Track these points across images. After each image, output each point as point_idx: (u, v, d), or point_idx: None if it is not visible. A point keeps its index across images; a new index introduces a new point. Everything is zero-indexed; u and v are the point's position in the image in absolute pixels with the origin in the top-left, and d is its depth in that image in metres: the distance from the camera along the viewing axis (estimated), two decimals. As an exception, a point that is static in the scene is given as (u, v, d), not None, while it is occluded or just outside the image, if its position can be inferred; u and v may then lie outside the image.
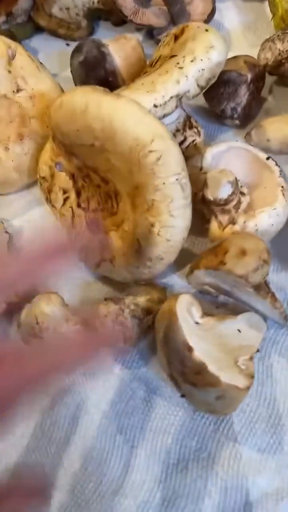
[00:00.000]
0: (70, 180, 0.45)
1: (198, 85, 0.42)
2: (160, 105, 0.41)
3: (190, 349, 0.35)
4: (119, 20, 0.66)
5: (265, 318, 0.41)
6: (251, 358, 0.37)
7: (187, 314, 0.37)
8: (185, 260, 0.47)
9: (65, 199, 0.46)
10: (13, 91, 0.47)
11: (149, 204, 0.37)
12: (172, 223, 0.38)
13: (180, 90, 0.41)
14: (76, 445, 0.40)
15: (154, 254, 0.40)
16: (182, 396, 0.38)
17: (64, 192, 0.46)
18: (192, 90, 0.42)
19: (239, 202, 0.43)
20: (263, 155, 0.46)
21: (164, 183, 0.36)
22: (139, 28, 0.64)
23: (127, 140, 0.35)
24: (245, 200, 0.44)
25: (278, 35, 0.52)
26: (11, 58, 0.47)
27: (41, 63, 0.53)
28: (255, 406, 0.39)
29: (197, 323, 0.38)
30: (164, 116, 0.42)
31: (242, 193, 0.44)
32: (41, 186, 0.48)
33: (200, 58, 0.42)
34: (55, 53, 0.65)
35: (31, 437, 0.40)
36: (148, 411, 0.40)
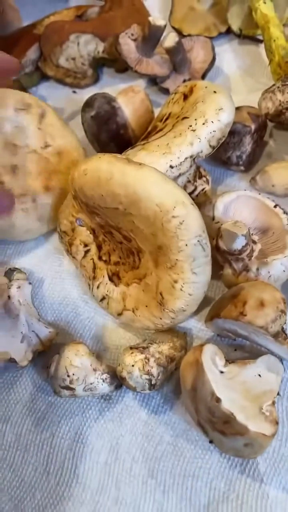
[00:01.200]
0: (90, 235, 0.48)
1: (210, 145, 0.45)
2: (176, 166, 0.44)
3: (218, 400, 0.37)
4: (123, 68, 0.69)
5: (281, 359, 0.44)
6: (273, 403, 0.39)
7: (212, 364, 0.40)
8: (201, 303, 0.49)
9: (86, 252, 0.49)
10: (41, 147, 0.51)
11: (173, 263, 0.40)
12: (194, 279, 0.40)
13: (193, 151, 0.44)
14: (110, 491, 0.42)
15: (176, 307, 0.42)
16: (211, 442, 0.41)
17: (85, 245, 0.49)
18: (204, 151, 0.45)
19: (252, 251, 0.46)
20: (270, 203, 0.49)
21: (186, 245, 0.39)
22: (142, 76, 0.67)
23: (150, 206, 0.38)
24: (257, 248, 0.47)
25: (278, 87, 0.55)
26: (42, 117, 0.51)
27: (64, 122, 0.56)
28: (277, 447, 0.42)
29: (221, 372, 0.41)
30: (180, 175, 0.45)
31: (254, 242, 0.47)
32: (61, 239, 0.51)
33: (211, 120, 0.45)
34: (63, 100, 0.68)
35: (65, 485, 0.42)
36: (176, 454, 0.43)
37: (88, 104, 0.57)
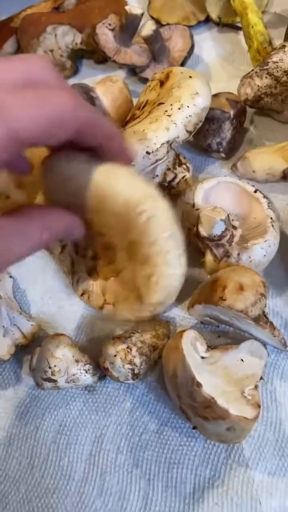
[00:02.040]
0: None
1: (186, 131, 0.44)
2: (152, 151, 0.43)
3: (198, 385, 0.37)
4: (102, 58, 0.69)
5: (265, 344, 0.44)
6: (256, 387, 0.39)
7: (193, 349, 0.40)
8: (184, 291, 0.49)
9: (63, 247, 0.48)
10: None
11: (145, 258, 0.39)
12: (168, 272, 0.39)
13: (170, 136, 0.44)
14: (96, 482, 0.41)
15: (154, 300, 0.41)
16: (194, 428, 0.40)
17: (61, 240, 0.48)
18: (181, 136, 0.44)
19: (232, 236, 0.46)
20: (251, 188, 0.49)
21: (157, 239, 0.38)
22: (121, 66, 0.66)
23: (118, 202, 0.37)
24: (237, 233, 0.47)
25: (256, 72, 0.55)
26: None
27: None
28: (262, 431, 0.42)
29: (202, 357, 0.40)
30: (157, 161, 0.44)
31: (234, 227, 0.47)
32: None
33: (187, 105, 0.44)
34: (42, 93, 0.68)
35: (50, 477, 0.42)
36: (161, 443, 0.42)
37: (66, 94, 0.56)
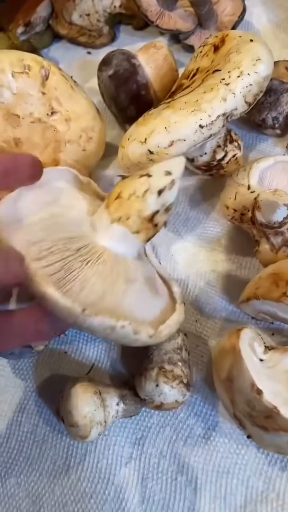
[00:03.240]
0: None
1: (245, 102, 0.39)
2: (207, 125, 0.38)
3: (259, 392, 0.33)
4: (142, 24, 0.63)
5: None
6: None
7: (251, 351, 0.35)
8: (233, 282, 0.45)
9: None
10: (47, 114, 0.44)
11: None
12: None
13: (227, 108, 0.39)
14: (136, 489, 0.38)
15: None
16: (248, 437, 0.36)
17: None
18: (239, 108, 0.39)
19: (293, 223, 0.41)
20: (312, 169, 0.44)
21: None
22: (163, 32, 0.60)
23: None
24: (298, 220, 0.42)
25: None
26: (45, 78, 0.44)
27: (75, 81, 0.48)
28: None
29: (261, 360, 0.36)
30: (211, 136, 0.39)
31: (295, 213, 0.42)
32: None
33: (247, 72, 0.39)
34: (77, 62, 0.63)
35: (87, 481, 0.39)
36: (209, 449, 0.39)
37: (105, 61, 0.51)
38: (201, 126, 0.39)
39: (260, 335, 0.39)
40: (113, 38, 0.63)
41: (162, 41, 0.62)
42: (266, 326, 0.42)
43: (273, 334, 0.42)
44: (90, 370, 0.43)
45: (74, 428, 0.37)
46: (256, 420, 0.34)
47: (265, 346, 0.38)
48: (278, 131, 0.50)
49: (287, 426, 0.32)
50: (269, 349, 0.37)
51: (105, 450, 0.40)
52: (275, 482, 0.37)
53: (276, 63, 0.50)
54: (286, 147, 0.50)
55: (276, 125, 0.50)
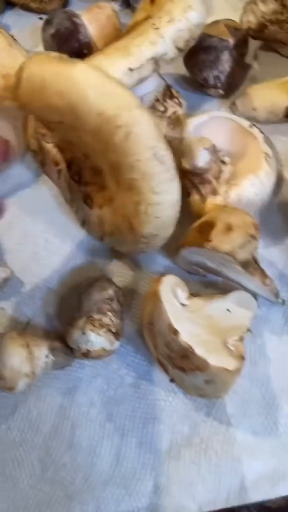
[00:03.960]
0: (58, 152, 0.43)
1: (176, 47, 0.39)
2: (136, 68, 0.38)
3: (175, 332, 0.33)
4: (94, -11, 0.62)
5: (255, 296, 0.39)
6: (241, 339, 0.35)
7: (172, 295, 0.36)
8: (171, 238, 0.45)
9: (59, 172, 0.43)
10: None
11: (129, 183, 0.35)
12: (157, 200, 0.35)
13: (156, 52, 0.39)
14: (65, 436, 0.38)
15: (146, 232, 0.37)
16: (171, 380, 0.37)
17: (56, 164, 0.43)
18: (170, 53, 0.39)
19: (219, 171, 0.41)
20: (246, 123, 0.44)
21: (138, 160, 0.33)
22: (115, -4, 0.60)
23: (91, 116, 0.32)
24: (226, 170, 0.42)
25: (261, -4, 0.49)
26: None
27: (14, 38, 0.49)
28: (248, 387, 0.38)
29: (183, 304, 0.36)
30: (141, 80, 0.39)
31: (223, 162, 0.42)
32: (35, 159, 0.46)
33: (178, 18, 0.39)
34: (28, 28, 0.62)
35: (17, 430, 0.39)
36: (138, 397, 0.39)
37: (48, 21, 0.51)
38: (130, 69, 0.39)
39: (190, 287, 0.39)
40: (64, 4, 0.63)
41: (114, 6, 0.62)
42: (201, 279, 0.43)
43: (206, 287, 0.42)
44: (26, 325, 0.43)
45: (1, 380, 0.37)
46: (175, 361, 0.34)
47: (191, 294, 0.38)
48: (221, 91, 0.50)
49: (202, 365, 0.32)
50: (195, 296, 0.38)
51: (36, 401, 0.40)
52: (200, 427, 0.37)
53: (217, 21, 0.50)
54: (230, 107, 0.50)
55: (219, 85, 0.50)
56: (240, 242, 0.35)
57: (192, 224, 0.40)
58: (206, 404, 0.38)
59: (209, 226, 0.36)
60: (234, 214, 0.36)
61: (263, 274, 0.37)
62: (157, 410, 0.38)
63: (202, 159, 0.38)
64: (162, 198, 0.36)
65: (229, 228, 0.35)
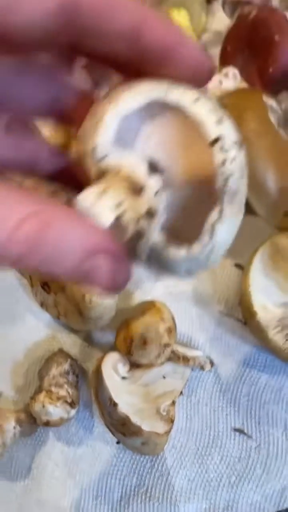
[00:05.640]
0: None
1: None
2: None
3: (115, 404, 0.40)
4: None
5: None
6: (173, 403, 0.43)
7: (113, 371, 0.43)
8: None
9: None
10: None
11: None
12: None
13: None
14: (33, 494, 0.45)
15: (93, 316, 0.45)
16: (117, 442, 0.44)
17: None
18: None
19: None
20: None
21: None
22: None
23: None
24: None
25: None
26: None
27: None
28: (184, 441, 0.45)
29: (124, 377, 0.44)
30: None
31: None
32: None
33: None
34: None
35: (-7, 491, 0.46)
36: (94, 456, 0.46)
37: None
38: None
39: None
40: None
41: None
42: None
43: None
44: (-3, 397, 0.50)
45: None
46: (117, 427, 0.41)
47: (132, 364, 0.46)
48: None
49: (137, 431, 0.40)
50: (136, 367, 0.45)
51: (8, 466, 0.47)
52: (145, 478, 0.44)
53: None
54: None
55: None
56: (156, 354, 0.43)
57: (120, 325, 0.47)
58: (150, 459, 0.45)
59: (130, 336, 0.44)
60: (149, 325, 0.43)
61: (185, 359, 0.45)
62: (110, 466, 0.45)
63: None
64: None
65: (144, 343, 0.43)
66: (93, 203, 0.19)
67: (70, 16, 0.18)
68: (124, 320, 0.47)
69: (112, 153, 0.21)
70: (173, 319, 0.45)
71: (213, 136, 0.19)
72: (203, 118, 0.20)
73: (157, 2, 0.69)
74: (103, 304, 0.45)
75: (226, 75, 0.57)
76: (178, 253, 0.21)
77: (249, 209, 0.49)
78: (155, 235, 0.22)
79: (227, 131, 0.20)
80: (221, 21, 0.75)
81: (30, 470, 0.46)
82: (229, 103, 0.50)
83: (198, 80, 0.21)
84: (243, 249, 0.52)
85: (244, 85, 0.57)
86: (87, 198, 0.19)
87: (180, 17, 0.68)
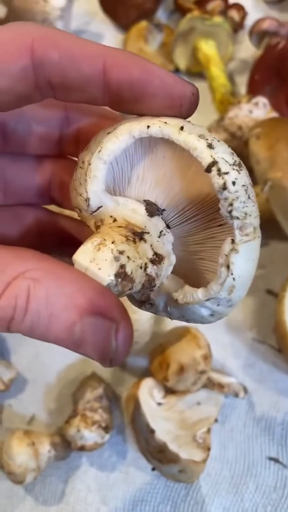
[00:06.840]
0: None
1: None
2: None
3: (152, 431, 0.41)
4: None
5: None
6: (208, 430, 0.43)
7: (149, 397, 0.44)
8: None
9: None
10: None
11: None
12: (135, 317, 0.44)
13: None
14: (67, 520, 0.45)
15: None
16: (153, 469, 0.44)
17: None
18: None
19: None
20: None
21: None
22: None
23: None
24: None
25: (214, 127, 0.59)
26: None
27: None
28: (219, 469, 0.45)
29: (159, 403, 0.44)
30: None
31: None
32: None
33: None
34: None
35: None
36: (127, 482, 0.46)
37: None
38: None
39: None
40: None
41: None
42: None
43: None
44: (30, 420, 0.51)
45: (11, 475, 0.44)
46: (153, 454, 0.42)
47: (167, 390, 0.46)
48: None
49: (175, 458, 0.40)
50: (170, 393, 0.46)
51: (41, 489, 0.47)
52: (180, 506, 0.44)
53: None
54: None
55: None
56: (192, 380, 0.43)
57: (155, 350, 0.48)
58: (184, 486, 0.45)
59: (166, 362, 0.44)
60: (185, 352, 0.44)
61: (220, 386, 0.45)
62: (144, 492, 0.45)
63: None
64: (139, 315, 0.45)
65: (181, 369, 0.43)
66: (91, 259, 0.18)
67: (37, 77, 0.19)
68: (158, 345, 0.47)
69: (107, 201, 0.20)
70: (208, 346, 0.45)
71: (207, 161, 0.18)
72: (193, 145, 0.19)
73: (185, 33, 0.71)
74: (139, 329, 0.46)
75: (256, 104, 0.58)
76: (196, 296, 0.19)
77: (282, 235, 0.50)
78: (166, 280, 0.20)
79: (221, 154, 0.19)
80: (247, 50, 0.76)
81: (64, 494, 0.46)
82: (261, 133, 0.51)
83: (179, 107, 0.20)
84: (274, 274, 0.53)
85: (274, 114, 0.59)
86: (83, 255, 0.18)
87: (208, 46, 0.70)
